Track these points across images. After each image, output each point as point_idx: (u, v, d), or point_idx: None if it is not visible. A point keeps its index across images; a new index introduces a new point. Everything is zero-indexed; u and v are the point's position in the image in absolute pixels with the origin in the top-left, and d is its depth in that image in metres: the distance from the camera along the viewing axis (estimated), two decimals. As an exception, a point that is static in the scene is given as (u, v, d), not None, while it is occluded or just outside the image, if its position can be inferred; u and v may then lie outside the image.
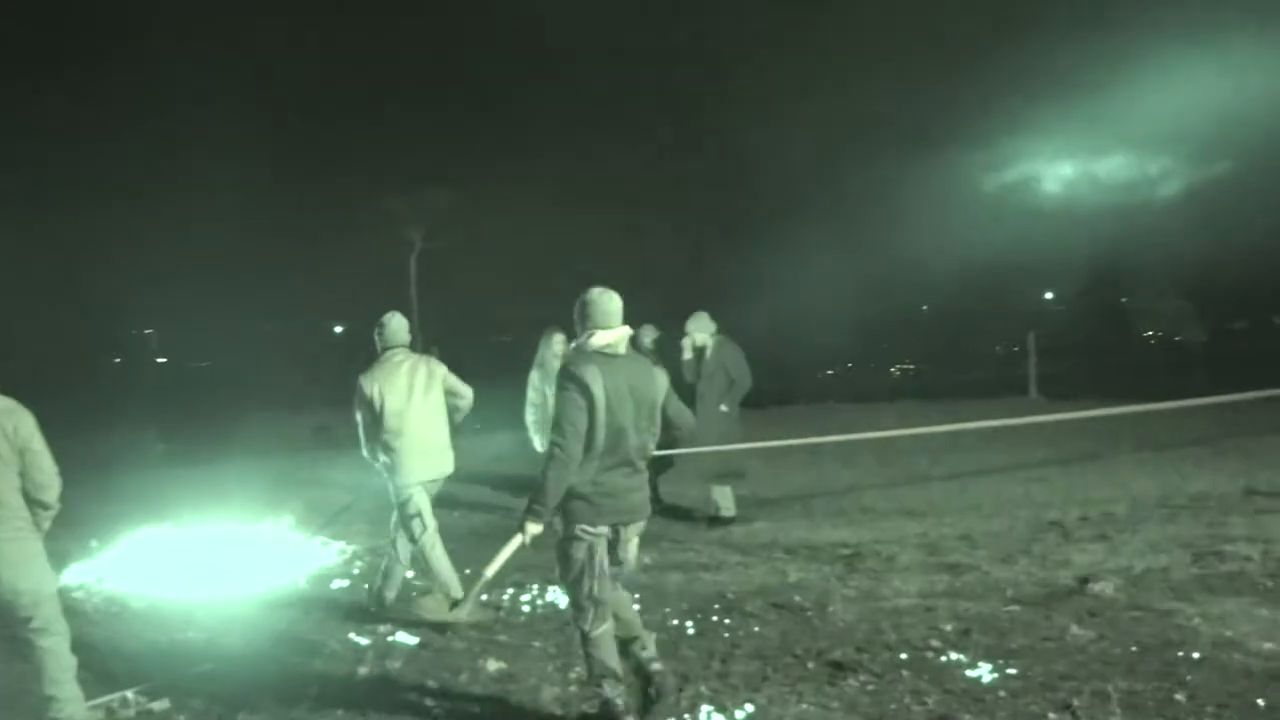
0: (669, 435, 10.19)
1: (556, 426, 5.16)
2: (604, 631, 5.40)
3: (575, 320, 5.34)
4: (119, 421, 19.08)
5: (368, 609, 7.71)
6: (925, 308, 44.44)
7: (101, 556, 9.43)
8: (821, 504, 11.50)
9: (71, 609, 6.03)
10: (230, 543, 9.92)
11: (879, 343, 38.08)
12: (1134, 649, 6.20)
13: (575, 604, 5.43)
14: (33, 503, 5.66)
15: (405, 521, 7.53)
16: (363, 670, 6.54)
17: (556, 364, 10.84)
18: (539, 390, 10.80)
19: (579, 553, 5.33)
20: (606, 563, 5.37)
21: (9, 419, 5.65)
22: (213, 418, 19.71)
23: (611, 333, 5.29)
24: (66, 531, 5.96)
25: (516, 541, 5.37)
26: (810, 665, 6.24)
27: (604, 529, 5.32)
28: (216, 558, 9.48)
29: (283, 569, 9.21)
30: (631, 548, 5.53)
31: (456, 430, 7.81)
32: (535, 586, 8.32)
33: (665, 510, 10.94)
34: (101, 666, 6.60)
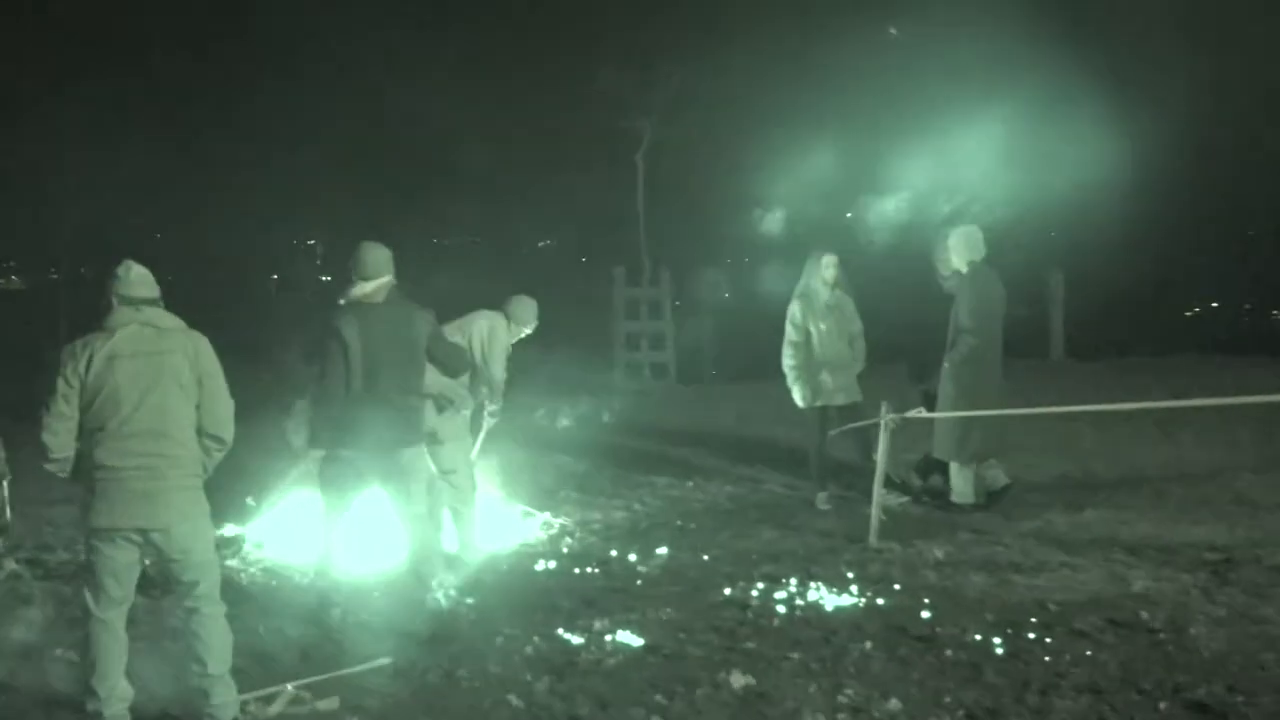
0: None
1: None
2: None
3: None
4: (275, 349, 20.03)
5: (595, 594, 7.92)
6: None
7: (259, 518, 9.94)
8: (1177, 490, 11.06)
9: (224, 581, 6.36)
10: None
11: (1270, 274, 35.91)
12: None
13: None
14: (207, 438, 6.09)
15: None
16: (571, 677, 6.68)
17: (825, 294, 10.76)
18: (800, 327, 10.74)
19: None
20: None
21: (189, 341, 6.08)
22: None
23: (370, 284, 7.61)
24: (215, 483, 6.31)
25: None
26: (1162, 705, 6.04)
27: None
28: (396, 526, 9.83)
29: (476, 545, 9.48)
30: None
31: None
32: (793, 581, 8.33)
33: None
34: (258, 652, 6.98)
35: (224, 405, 6.14)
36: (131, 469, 5.88)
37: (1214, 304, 35.52)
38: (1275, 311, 36.26)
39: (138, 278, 6.13)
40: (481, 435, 9.70)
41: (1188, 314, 33.49)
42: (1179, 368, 17.74)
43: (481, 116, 25.21)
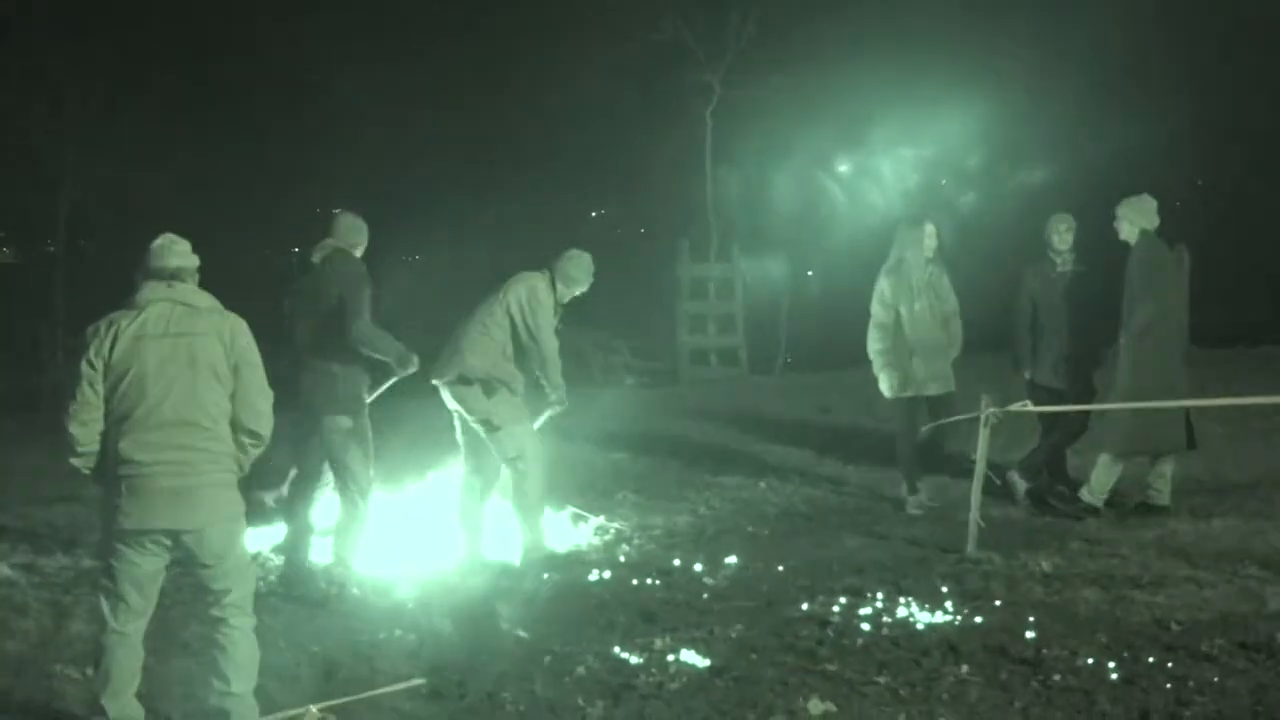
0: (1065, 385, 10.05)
1: None
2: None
3: None
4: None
5: (655, 607, 7.94)
6: None
7: (279, 524, 10.01)
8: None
9: (243, 590, 6.43)
10: (449, 510, 10.34)
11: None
12: None
13: None
14: (243, 433, 6.15)
15: None
16: (629, 701, 6.70)
17: (919, 270, 10.73)
18: (889, 306, 10.72)
19: None
20: None
21: (225, 323, 6.13)
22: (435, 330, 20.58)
23: (320, 251, 8.64)
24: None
25: None
26: (1301, 741, 5.98)
27: None
28: (431, 531, 9.92)
29: (520, 551, 9.53)
30: None
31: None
32: (880, 595, 8.31)
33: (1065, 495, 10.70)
34: (279, 669, 7.03)
35: (262, 397, 6.19)
36: (162, 464, 5.91)
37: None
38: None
39: (172, 247, 6.17)
40: (540, 423, 9.60)
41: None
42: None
43: (529, 74, 25.33)
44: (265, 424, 6.21)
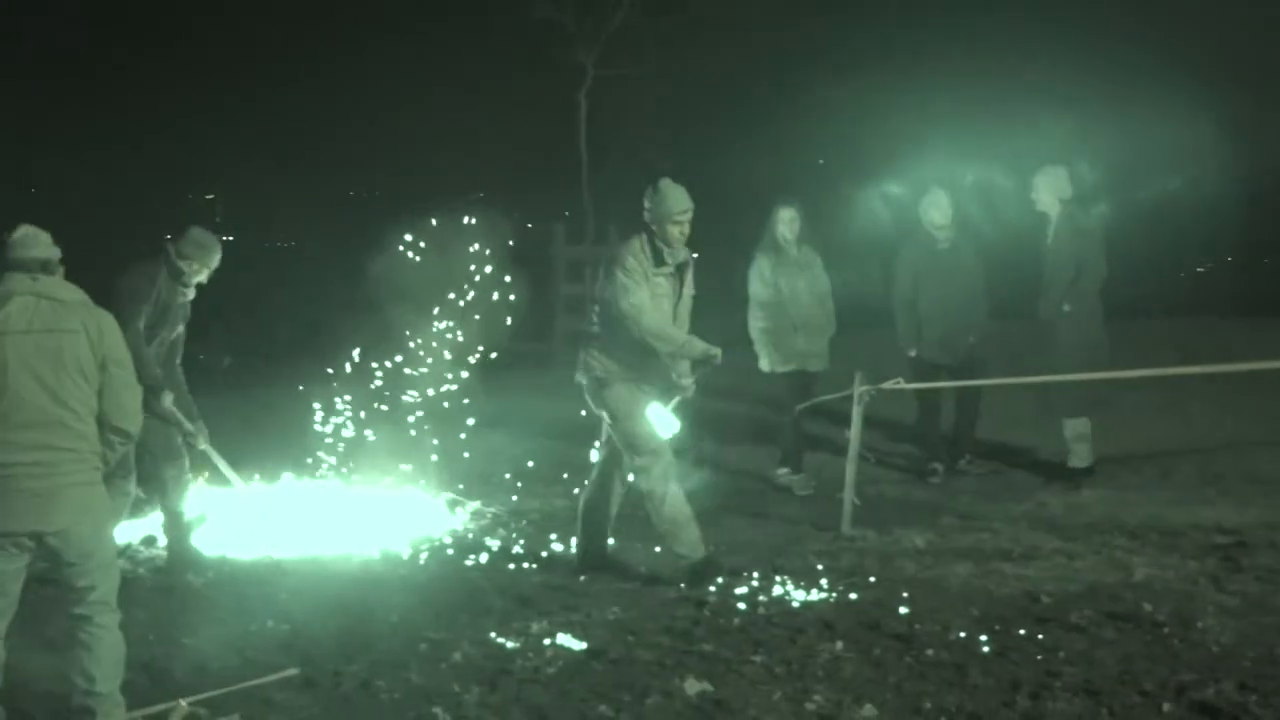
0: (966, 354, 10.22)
1: None
2: None
3: None
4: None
5: (532, 592, 7.95)
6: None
7: (152, 514, 9.88)
8: (1186, 467, 11.19)
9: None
10: (323, 499, 10.25)
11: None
12: None
13: None
14: (111, 431, 6.02)
15: None
16: (505, 686, 6.68)
17: (794, 250, 10.84)
18: (770, 284, 10.83)
19: None
20: None
21: (93, 318, 5.99)
22: (299, 318, 20.39)
23: None
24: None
25: None
26: (1166, 707, 6.09)
27: None
28: (305, 520, 9.85)
29: (395, 538, 9.51)
30: None
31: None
32: (756, 575, 8.37)
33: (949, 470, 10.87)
34: (148, 663, 6.93)
35: (130, 394, 6.08)
36: (24, 465, 5.78)
37: (1229, 259, 35.80)
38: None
39: (36, 237, 6.03)
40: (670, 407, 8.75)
41: (1200, 271, 33.73)
42: (1190, 330, 17.86)
43: (396, 53, 25.13)
44: (134, 422, 6.10)
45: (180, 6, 26.76)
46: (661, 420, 8.51)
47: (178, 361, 9.09)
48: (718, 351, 8.27)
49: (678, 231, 8.31)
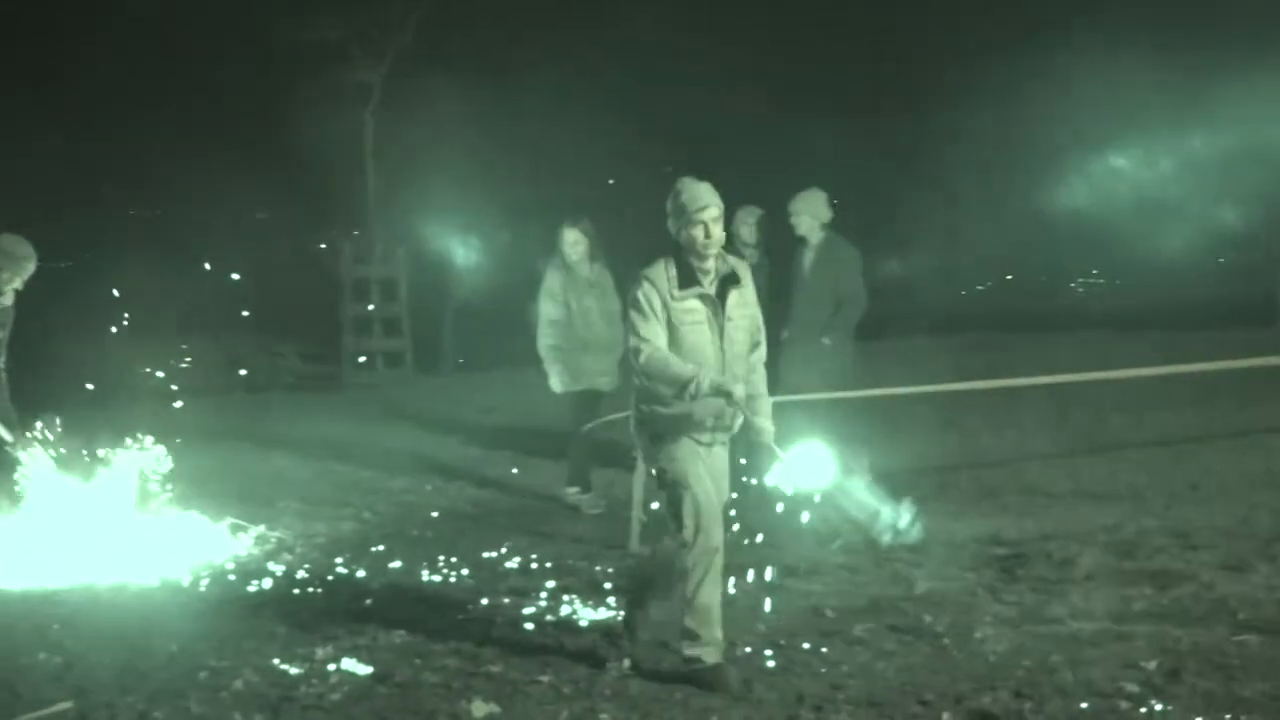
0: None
1: None
2: None
3: None
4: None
5: (317, 617, 7.82)
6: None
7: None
8: (964, 481, 11.45)
9: None
10: (96, 525, 9.98)
11: (1054, 246, 37.31)
12: None
13: None
14: None
15: None
16: (288, 714, 6.55)
17: (585, 268, 10.89)
18: (560, 302, 10.86)
19: None
20: None
21: None
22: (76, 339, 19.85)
23: None
24: None
25: None
26: (945, 716, 6.19)
27: None
28: (76, 546, 9.54)
29: (174, 564, 9.29)
30: None
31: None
32: (544, 594, 8.35)
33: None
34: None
35: None
36: None
37: (1008, 277, 36.84)
38: (1073, 284, 37.78)
39: None
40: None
41: (980, 289, 34.69)
42: (968, 347, 18.32)
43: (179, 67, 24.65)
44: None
45: None
46: (793, 471, 7.12)
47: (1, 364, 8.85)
48: (735, 388, 6.66)
49: (702, 235, 6.67)
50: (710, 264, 6.74)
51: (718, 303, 6.77)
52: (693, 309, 6.71)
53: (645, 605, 7.12)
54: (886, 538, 9.07)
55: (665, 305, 6.68)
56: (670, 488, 6.84)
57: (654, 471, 7.03)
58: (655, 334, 6.67)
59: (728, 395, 6.60)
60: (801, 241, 10.68)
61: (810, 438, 7.35)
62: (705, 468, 6.80)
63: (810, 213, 10.60)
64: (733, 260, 6.90)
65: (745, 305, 6.87)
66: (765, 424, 6.89)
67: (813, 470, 7.10)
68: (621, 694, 6.64)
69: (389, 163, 24.35)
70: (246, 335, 19.94)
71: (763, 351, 7.05)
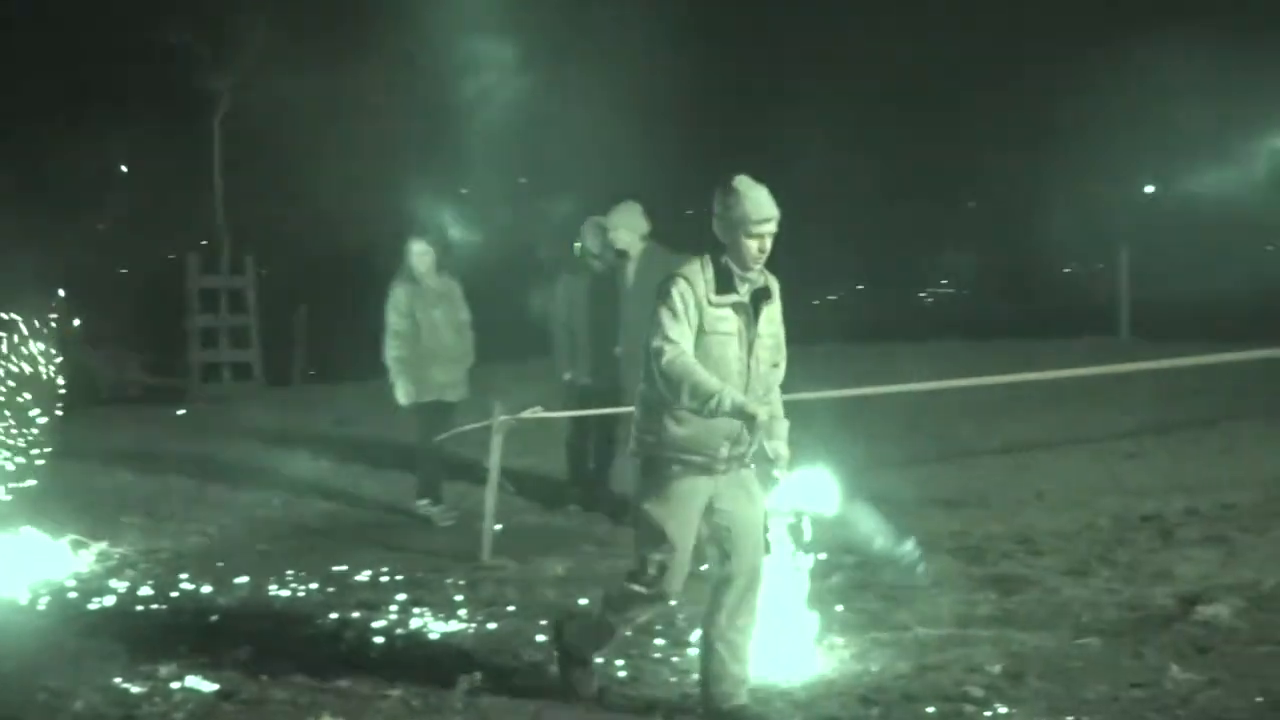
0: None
1: None
2: None
3: None
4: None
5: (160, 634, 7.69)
6: (972, 204, 43.98)
7: None
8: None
9: None
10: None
11: (903, 256, 37.99)
12: (1260, 699, 6.27)
13: None
14: None
15: None
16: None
17: (432, 280, 10.85)
18: (405, 315, 10.82)
19: None
20: None
21: None
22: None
23: None
24: None
25: None
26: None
27: None
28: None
29: (11, 582, 9.10)
30: None
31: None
32: (394, 608, 8.30)
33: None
34: None
35: None
36: None
37: (859, 286, 37.40)
38: (921, 294, 38.45)
39: None
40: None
41: (816, 302, 35.10)
42: (816, 356, 18.48)
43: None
44: None
45: None
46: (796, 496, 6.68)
47: None
48: (760, 411, 6.10)
49: (756, 247, 6.19)
50: (754, 275, 6.29)
51: (751, 315, 6.28)
52: (726, 318, 6.19)
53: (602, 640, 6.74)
54: (889, 574, 8.65)
55: (700, 308, 6.13)
56: (645, 529, 6.39)
57: (633, 503, 6.57)
58: (683, 336, 6.09)
59: (750, 419, 6.07)
60: (623, 255, 10.66)
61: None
62: (700, 507, 6.31)
63: (627, 226, 10.62)
64: (761, 273, 6.36)
65: (773, 323, 6.42)
66: (781, 449, 6.37)
67: (817, 496, 6.78)
68: (472, 706, 6.61)
69: (240, 171, 24.07)
70: (87, 348, 19.60)
71: (781, 372, 6.52)
